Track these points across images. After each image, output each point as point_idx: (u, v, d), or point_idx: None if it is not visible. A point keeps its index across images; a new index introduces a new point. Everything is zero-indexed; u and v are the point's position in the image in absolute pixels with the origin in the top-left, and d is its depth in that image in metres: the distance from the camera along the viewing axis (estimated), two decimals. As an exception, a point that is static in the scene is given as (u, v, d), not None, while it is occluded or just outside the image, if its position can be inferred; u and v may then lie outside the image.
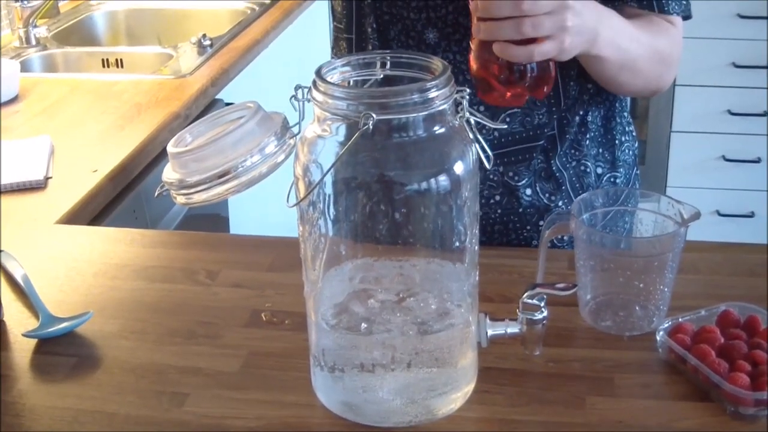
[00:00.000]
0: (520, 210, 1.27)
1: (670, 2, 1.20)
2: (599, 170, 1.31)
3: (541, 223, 1.27)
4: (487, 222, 1.28)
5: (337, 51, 1.34)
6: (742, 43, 3.02)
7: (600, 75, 1.20)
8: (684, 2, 1.23)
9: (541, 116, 1.24)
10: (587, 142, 1.29)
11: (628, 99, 1.34)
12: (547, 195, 1.28)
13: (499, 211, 1.28)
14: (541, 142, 1.26)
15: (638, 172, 1.39)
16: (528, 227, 1.29)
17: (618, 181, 1.33)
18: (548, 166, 1.27)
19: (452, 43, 1.21)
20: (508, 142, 1.24)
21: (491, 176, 1.26)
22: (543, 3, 0.98)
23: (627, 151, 1.34)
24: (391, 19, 1.23)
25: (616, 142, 1.32)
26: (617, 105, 1.32)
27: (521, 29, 0.98)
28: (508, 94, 1.03)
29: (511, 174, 1.26)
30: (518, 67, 1.01)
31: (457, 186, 0.82)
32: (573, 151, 1.28)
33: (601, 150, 1.31)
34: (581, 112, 1.28)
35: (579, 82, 1.25)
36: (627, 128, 1.35)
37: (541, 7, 0.98)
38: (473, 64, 1.04)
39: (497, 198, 1.27)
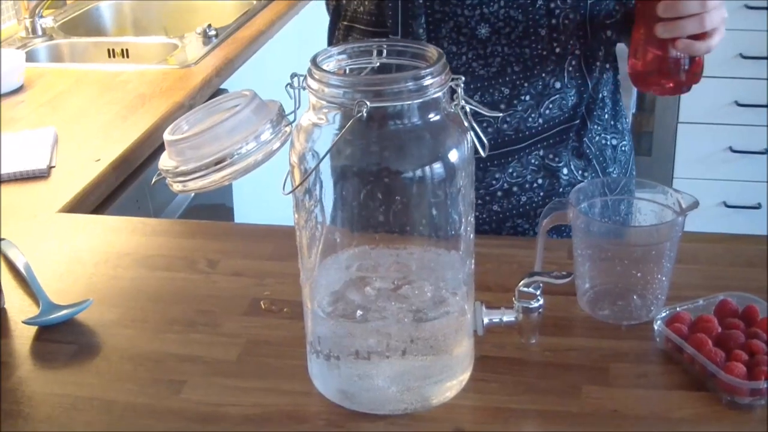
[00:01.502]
0: (560, 190, 1.31)
1: None
2: (614, 141, 1.36)
3: None
4: (531, 207, 1.31)
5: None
6: (749, 34, 3.01)
7: None
8: None
9: (572, 97, 1.28)
10: (606, 116, 1.34)
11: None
12: (580, 172, 1.32)
13: (541, 194, 1.30)
14: (576, 122, 1.30)
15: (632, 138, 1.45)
16: None
17: (626, 148, 1.38)
18: (580, 144, 1.32)
19: (502, 36, 1.23)
20: (550, 126, 1.28)
21: (533, 161, 1.29)
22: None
23: (625, 119, 1.40)
24: (443, 18, 1.24)
25: (622, 112, 1.38)
26: (618, 77, 1.37)
27: (705, 24, 1.11)
28: (671, 84, 1.18)
29: (551, 156, 1.30)
30: (674, 60, 1.15)
31: (451, 174, 0.82)
32: (596, 127, 1.33)
33: (613, 122, 1.36)
34: (600, 90, 1.32)
35: (601, 63, 1.30)
36: (621, 97, 1.40)
37: (714, 4, 1.10)
38: (639, 61, 1.17)
39: (540, 181, 1.30)
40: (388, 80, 0.79)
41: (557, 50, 1.24)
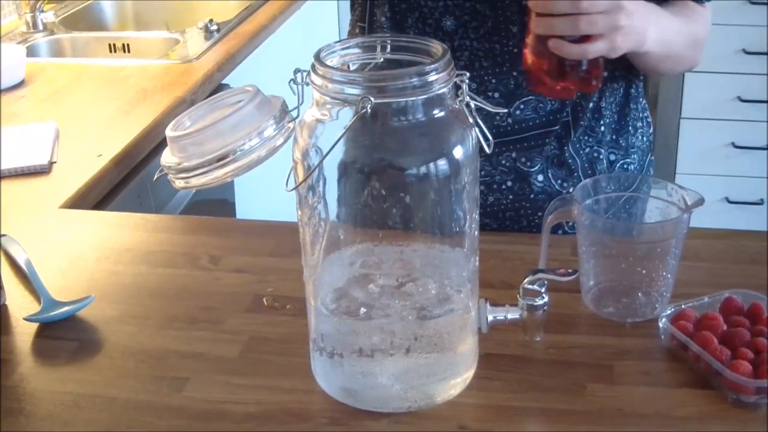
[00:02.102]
0: (532, 196, 1.28)
1: None
2: (612, 157, 1.31)
3: None
4: (499, 208, 1.28)
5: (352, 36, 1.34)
6: (752, 29, 3.00)
7: (643, 66, 1.25)
8: None
9: (553, 103, 1.25)
10: (602, 128, 1.29)
11: (642, 85, 1.36)
12: (559, 181, 1.28)
13: (510, 197, 1.28)
14: (556, 128, 1.26)
15: (652, 158, 1.39)
16: (539, 213, 1.28)
17: (631, 167, 1.33)
18: (561, 152, 1.27)
19: (469, 30, 1.21)
20: (522, 128, 1.25)
21: (503, 162, 1.26)
22: (599, 2, 1.03)
23: (641, 137, 1.35)
24: (408, 8, 1.23)
25: (630, 128, 1.33)
26: (632, 91, 1.32)
27: (577, 26, 1.03)
28: (559, 87, 1.09)
29: (523, 160, 1.26)
30: (570, 63, 1.06)
31: (456, 170, 0.81)
32: (587, 138, 1.29)
33: (615, 136, 1.31)
34: (595, 99, 1.28)
35: None
36: (642, 114, 1.35)
37: (596, 6, 1.03)
38: (528, 58, 1.08)
39: (509, 184, 1.27)
40: (393, 76, 0.78)
41: None
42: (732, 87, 3.10)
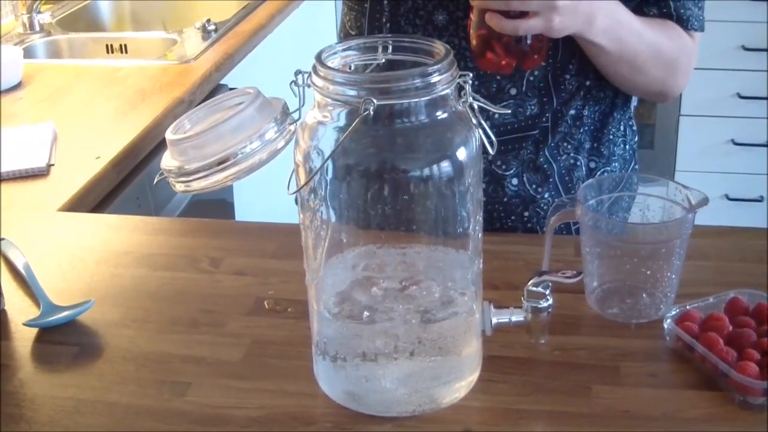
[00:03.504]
0: (505, 199, 1.27)
1: (691, 19, 1.22)
2: (592, 164, 1.30)
3: (526, 213, 1.27)
4: None
5: (348, 20, 1.33)
6: (751, 26, 2.99)
7: (601, 65, 1.22)
8: (702, 17, 1.24)
9: (532, 107, 1.24)
10: (581, 136, 1.28)
11: (632, 97, 1.34)
12: (534, 186, 1.27)
13: (484, 199, 1.26)
14: (534, 133, 1.25)
15: (637, 167, 1.38)
16: (512, 217, 1.28)
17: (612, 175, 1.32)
18: (536, 157, 1.27)
19: (460, 28, 1.20)
20: (499, 132, 1.24)
21: None
22: None
23: (623, 145, 1.33)
24: None
25: (611, 137, 1.31)
26: (618, 102, 1.31)
27: (509, 3, 1.04)
28: (502, 62, 1.10)
29: (499, 163, 1.26)
30: (514, 38, 1.08)
31: (460, 172, 0.81)
32: (565, 144, 1.28)
33: (596, 144, 1.30)
34: (577, 107, 1.27)
35: (577, 78, 1.25)
36: (627, 123, 1.34)
37: None
38: (471, 31, 1.10)
39: (482, 186, 1.25)
40: (395, 77, 0.77)
41: None
42: (731, 84, 3.09)
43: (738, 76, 3.08)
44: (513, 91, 1.22)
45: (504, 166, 1.26)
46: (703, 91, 3.10)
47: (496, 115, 1.21)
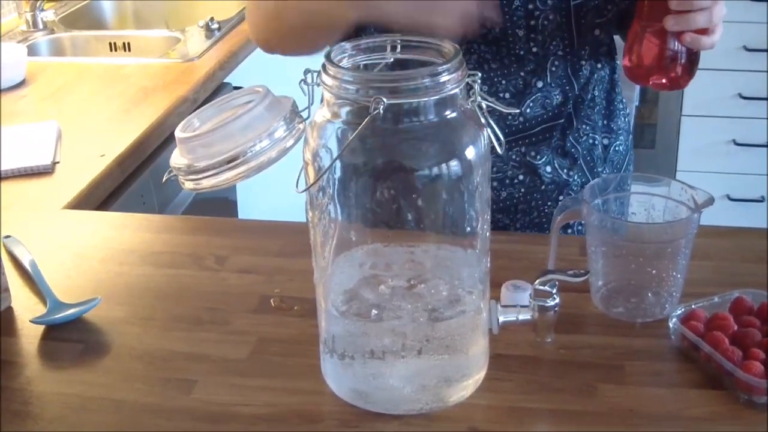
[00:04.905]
0: (543, 187, 1.30)
1: None
2: (606, 141, 1.34)
3: (561, 198, 1.30)
4: (512, 202, 1.30)
5: None
6: (753, 26, 2.99)
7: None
8: None
9: (557, 97, 1.27)
10: (595, 116, 1.32)
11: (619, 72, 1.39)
12: (565, 170, 1.30)
13: (522, 190, 1.29)
14: (561, 121, 1.29)
15: (632, 137, 1.44)
16: (549, 203, 1.31)
17: (620, 148, 1.36)
18: (563, 142, 1.30)
19: (477, 35, 1.20)
20: (532, 124, 1.27)
21: (514, 157, 1.28)
22: None
23: (623, 118, 1.38)
24: None
25: (616, 112, 1.36)
26: (616, 78, 1.36)
27: (713, 18, 1.11)
28: (668, 81, 1.17)
29: (533, 153, 1.29)
30: (681, 56, 1.15)
31: (468, 171, 0.81)
32: (584, 126, 1.31)
33: (606, 121, 1.35)
34: (591, 90, 1.31)
35: (590, 62, 1.28)
36: (620, 96, 1.39)
37: None
38: (636, 56, 1.16)
39: (521, 177, 1.29)
40: (404, 77, 0.78)
41: (534, 50, 1.22)
42: (733, 84, 3.10)
43: (739, 76, 3.09)
44: (540, 84, 1.25)
45: (537, 156, 1.29)
46: (704, 92, 3.10)
47: (528, 110, 1.25)
